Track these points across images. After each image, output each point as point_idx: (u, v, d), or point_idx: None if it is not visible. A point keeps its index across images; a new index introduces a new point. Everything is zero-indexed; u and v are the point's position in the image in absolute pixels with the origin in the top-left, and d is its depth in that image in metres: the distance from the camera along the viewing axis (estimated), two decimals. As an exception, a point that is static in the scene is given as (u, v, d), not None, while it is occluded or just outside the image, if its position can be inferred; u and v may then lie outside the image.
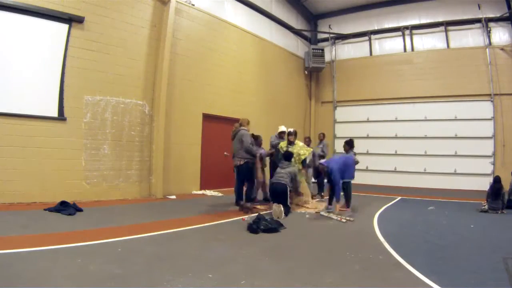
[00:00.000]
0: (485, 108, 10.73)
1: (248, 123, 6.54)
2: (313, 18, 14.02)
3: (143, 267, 3.09)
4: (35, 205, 5.60)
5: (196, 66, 8.63)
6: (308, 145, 7.61)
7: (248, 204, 6.21)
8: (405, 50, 12.29)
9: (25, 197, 5.70)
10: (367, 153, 12.36)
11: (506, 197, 6.90)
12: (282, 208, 5.61)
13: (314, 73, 13.88)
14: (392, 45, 12.59)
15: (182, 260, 3.38)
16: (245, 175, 6.33)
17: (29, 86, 5.86)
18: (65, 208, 5.32)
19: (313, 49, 13.23)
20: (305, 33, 13.76)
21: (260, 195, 7.21)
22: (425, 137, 11.50)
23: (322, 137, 8.83)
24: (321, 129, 13.34)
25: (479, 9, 10.78)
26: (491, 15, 10.77)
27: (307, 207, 6.62)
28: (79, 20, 6.32)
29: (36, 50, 5.95)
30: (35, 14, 5.83)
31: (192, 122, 8.57)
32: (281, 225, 4.95)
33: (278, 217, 5.45)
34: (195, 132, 8.67)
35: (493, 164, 10.55)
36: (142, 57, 7.47)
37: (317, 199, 7.65)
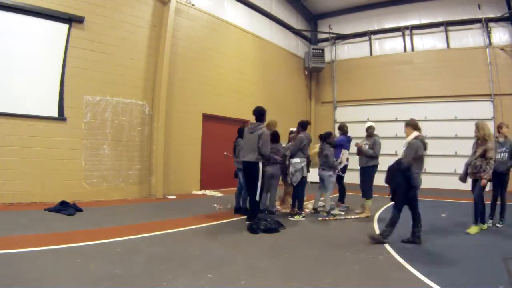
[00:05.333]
0: (485, 108, 10.72)
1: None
2: (313, 18, 14.02)
3: (143, 267, 3.09)
4: (35, 205, 5.60)
5: (196, 66, 8.62)
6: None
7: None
8: (405, 50, 12.29)
9: (25, 197, 5.70)
10: (367, 153, 12.36)
11: None
12: None
13: (314, 73, 13.88)
14: (392, 45, 12.59)
15: (182, 260, 3.38)
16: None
17: (29, 86, 5.86)
18: (65, 208, 5.33)
19: (313, 49, 13.24)
20: (305, 33, 13.76)
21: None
22: (425, 137, 11.47)
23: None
24: (321, 130, 13.38)
25: (479, 9, 10.79)
26: (491, 15, 10.77)
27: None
28: (79, 20, 6.32)
29: (36, 50, 5.95)
30: (35, 14, 5.83)
31: (192, 122, 8.57)
32: (281, 225, 4.95)
33: None
34: (195, 132, 8.67)
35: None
36: (142, 57, 7.47)
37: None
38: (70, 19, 6.21)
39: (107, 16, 6.80)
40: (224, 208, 6.41)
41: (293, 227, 5.08)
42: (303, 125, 6.27)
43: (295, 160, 5.80)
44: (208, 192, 8.53)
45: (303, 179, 5.83)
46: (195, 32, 8.63)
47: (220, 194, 8.40)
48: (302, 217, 5.69)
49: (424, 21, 11.95)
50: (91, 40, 6.54)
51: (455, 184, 10.64)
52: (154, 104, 7.61)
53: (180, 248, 3.80)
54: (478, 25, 11.01)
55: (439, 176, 11.16)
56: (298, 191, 5.93)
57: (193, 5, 8.54)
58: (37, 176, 5.85)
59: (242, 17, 10.33)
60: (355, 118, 12.86)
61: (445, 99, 11.30)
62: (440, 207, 7.22)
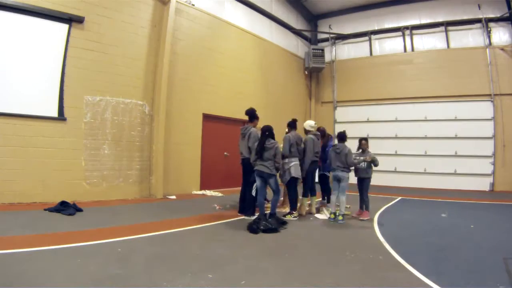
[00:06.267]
0: (485, 108, 10.73)
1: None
2: (313, 18, 14.03)
3: (143, 267, 3.09)
4: (35, 205, 5.60)
5: (196, 66, 8.63)
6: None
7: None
8: (405, 50, 12.30)
9: (25, 197, 5.70)
10: (367, 153, 12.36)
11: None
12: None
13: (314, 73, 13.88)
14: (392, 45, 12.59)
15: (182, 260, 3.38)
16: None
17: (29, 86, 5.86)
18: (65, 208, 5.33)
19: (313, 49, 13.25)
20: (305, 33, 13.77)
21: None
22: (425, 137, 11.50)
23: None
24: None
25: (479, 9, 10.80)
26: (491, 15, 10.78)
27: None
28: (79, 20, 6.32)
29: (36, 50, 5.95)
30: (35, 14, 5.83)
31: (192, 122, 8.57)
32: (282, 224, 4.95)
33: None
34: (195, 132, 8.67)
35: (493, 164, 10.55)
36: (142, 57, 7.47)
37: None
38: (70, 19, 6.21)
39: (107, 16, 6.80)
40: (224, 208, 6.42)
41: (293, 227, 5.08)
42: (291, 124, 6.15)
43: (284, 160, 5.73)
44: (208, 192, 8.53)
45: (293, 179, 5.74)
46: (195, 32, 8.63)
47: (220, 194, 8.40)
48: (293, 217, 5.67)
49: (424, 21, 11.96)
50: (91, 40, 6.54)
51: (455, 184, 10.82)
52: (154, 104, 7.61)
53: (180, 248, 3.80)
54: (478, 25, 11.02)
55: (439, 176, 11.19)
56: (289, 191, 5.93)
57: (193, 5, 8.54)
58: (37, 176, 5.85)
59: (242, 17, 10.34)
60: (355, 118, 12.89)
61: (445, 99, 11.30)
62: (440, 207, 7.23)
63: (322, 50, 13.36)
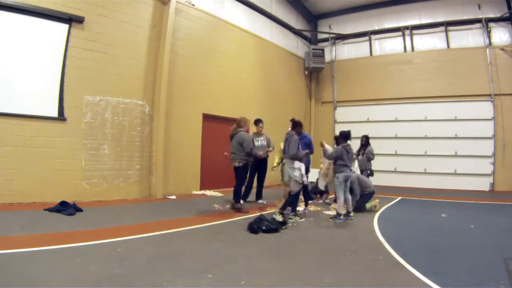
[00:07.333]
0: (485, 108, 10.73)
1: (246, 123, 6.48)
2: (313, 18, 14.03)
3: (143, 267, 3.09)
4: (35, 205, 5.60)
5: (196, 66, 8.62)
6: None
7: (238, 204, 6.19)
8: (405, 50, 12.30)
9: (25, 197, 5.70)
10: (367, 153, 12.37)
11: None
12: None
13: (314, 73, 13.88)
14: (392, 45, 12.60)
15: (182, 260, 3.38)
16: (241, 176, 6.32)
17: (29, 86, 5.86)
18: (65, 208, 5.32)
19: (313, 49, 13.24)
20: (305, 33, 13.77)
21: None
22: (425, 137, 11.50)
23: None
24: (321, 130, 13.36)
25: (479, 9, 10.80)
26: (491, 15, 10.78)
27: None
28: (79, 20, 6.32)
29: (36, 50, 5.94)
30: (35, 14, 5.83)
31: (192, 122, 8.57)
32: (283, 224, 4.95)
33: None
34: (195, 132, 8.66)
35: (493, 164, 10.55)
36: (142, 57, 7.46)
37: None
38: (70, 19, 6.21)
39: (107, 16, 6.80)
40: (224, 208, 6.41)
41: (293, 228, 5.08)
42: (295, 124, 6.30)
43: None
44: (208, 192, 8.53)
45: None
46: (195, 32, 8.62)
47: (220, 194, 8.40)
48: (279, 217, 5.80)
49: (424, 21, 11.96)
50: (91, 40, 6.53)
51: (455, 184, 10.82)
52: (154, 104, 7.61)
53: (180, 248, 3.80)
54: (478, 25, 11.02)
55: (439, 176, 11.19)
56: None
57: (193, 5, 8.54)
58: (37, 176, 5.85)
59: (242, 17, 10.33)
60: (355, 118, 12.89)
61: (445, 99, 11.31)
62: (440, 207, 7.23)
63: (322, 50, 13.35)
